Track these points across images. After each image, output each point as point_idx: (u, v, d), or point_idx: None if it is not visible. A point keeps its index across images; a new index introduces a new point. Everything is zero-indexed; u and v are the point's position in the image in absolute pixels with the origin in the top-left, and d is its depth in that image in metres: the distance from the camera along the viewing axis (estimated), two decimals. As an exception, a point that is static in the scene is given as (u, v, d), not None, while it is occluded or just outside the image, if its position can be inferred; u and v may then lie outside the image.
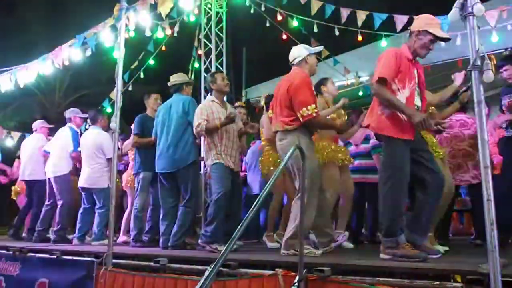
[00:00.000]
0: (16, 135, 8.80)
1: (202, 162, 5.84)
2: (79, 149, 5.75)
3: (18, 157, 6.62)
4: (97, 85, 14.57)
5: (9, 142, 8.61)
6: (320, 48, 3.95)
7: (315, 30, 6.72)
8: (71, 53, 5.37)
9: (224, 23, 7.77)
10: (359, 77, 7.31)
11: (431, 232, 3.63)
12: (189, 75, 7.86)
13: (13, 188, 7.32)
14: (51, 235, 5.88)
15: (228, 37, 7.81)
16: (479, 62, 2.31)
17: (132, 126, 5.89)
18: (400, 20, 5.53)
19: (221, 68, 7.40)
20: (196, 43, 8.11)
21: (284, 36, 7.39)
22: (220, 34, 7.71)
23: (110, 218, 3.92)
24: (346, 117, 4.67)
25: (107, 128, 5.77)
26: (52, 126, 6.80)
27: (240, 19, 8.82)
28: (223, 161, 4.14)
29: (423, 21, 3.16)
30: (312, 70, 3.77)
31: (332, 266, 2.68)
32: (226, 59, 7.60)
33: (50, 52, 5.86)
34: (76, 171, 6.05)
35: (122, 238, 5.83)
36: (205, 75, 6.85)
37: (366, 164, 5.34)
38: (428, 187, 3.07)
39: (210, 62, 7.58)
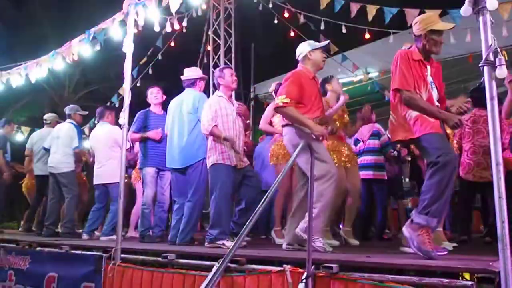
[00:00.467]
0: (26, 129, 8.89)
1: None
2: (85, 145, 5.78)
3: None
4: (106, 81, 14.64)
5: (19, 137, 8.71)
6: (325, 42, 3.89)
7: (323, 27, 6.68)
8: (80, 48, 5.38)
9: (232, 19, 7.76)
10: (368, 73, 7.27)
11: (439, 227, 3.61)
12: (198, 71, 7.85)
13: (24, 184, 7.38)
14: (60, 229, 5.95)
15: (237, 33, 7.80)
16: (491, 58, 2.27)
17: None
18: (411, 14, 5.46)
19: (229, 64, 7.40)
20: (204, 39, 8.11)
21: (292, 33, 7.35)
22: (229, 30, 7.72)
23: (119, 212, 3.94)
24: (347, 118, 4.62)
25: (114, 123, 5.80)
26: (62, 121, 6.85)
27: (248, 15, 8.80)
28: (227, 162, 4.10)
29: (424, 22, 3.13)
30: (316, 65, 3.74)
31: (340, 263, 2.67)
32: (234, 55, 7.60)
33: (60, 47, 5.89)
34: (86, 167, 6.09)
35: (131, 233, 5.87)
36: (214, 70, 6.84)
37: (374, 160, 5.33)
38: None
39: (218, 57, 7.60)
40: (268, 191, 2.29)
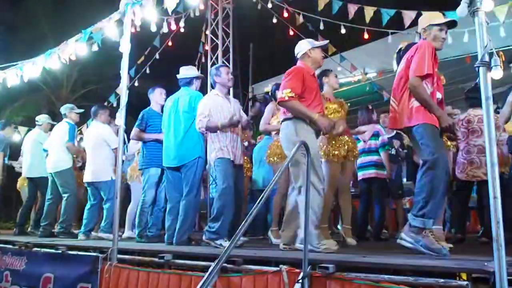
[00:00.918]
0: (23, 130, 8.86)
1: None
2: (77, 141, 5.79)
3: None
4: (104, 80, 14.62)
5: (17, 137, 8.68)
6: (325, 42, 3.92)
7: (322, 27, 6.68)
8: (77, 48, 5.37)
9: (230, 19, 7.76)
10: (366, 73, 7.27)
11: (439, 226, 3.62)
12: (196, 70, 7.84)
13: (19, 179, 7.37)
14: (56, 229, 5.93)
15: (235, 33, 7.80)
16: (487, 58, 2.27)
17: None
18: (408, 15, 5.48)
19: (227, 64, 7.38)
20: (203, 39, 8.10)
21: (291, 33, 7.35)
22: (227, 30, 7.71)
23: (115, 212, 3.93)
24: (346, 106, 4.63)
25: (108, 122, 5.81)
26: (55, 123, 6.85)
27: (247, 15, 8.80)
28: (227, 156, 4.13)
29: (425, 20, 3.25)
30: (316, 63, 3.78)
31: (337, 263, 2.66)
32: (232, 55, 7.59)
33: (57, 47, 5.87)
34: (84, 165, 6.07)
35: (127, 233, 5.86)
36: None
37: (374, 160, 5.34)
38: None
39: (216, 57, 7.59)
40: (265, 191, 2.28)
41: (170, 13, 6.01)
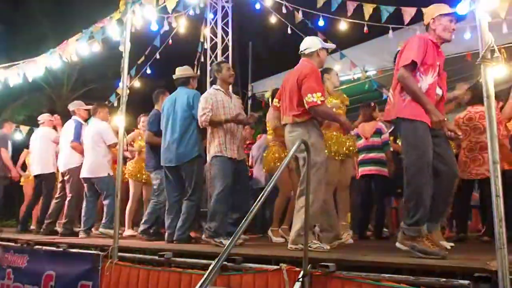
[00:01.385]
0: (25, 128, 8.87)
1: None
2: (81, 140, 5.79)
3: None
4: (104, 80, 14.63)
5: (18, 136, 8.69)
6: (333, 46, 3.95)
7: (321, 23, 6.66)
8: (78, 47, 5.38)
9: (230, 17, 7.74)
10: (366, 71, 7.24)
11: (437, 228, 3.60)
12: (195, 69, 7.84)
13: (23, 175, 7.40)
14: (58, 228, 5.94)
15: (234, 31, 7.77)
16: (489, 55, 2.26)
17: (141, 121, 5.89)
18: (408, 12, 5.46)
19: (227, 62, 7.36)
20: (202, 38, 8.08)
21: (290, 31, 7.32)
22: (226, 29, 7.69)
23: (116, 210, 3.93)
24: (347, 101, 4.62)
25: (107, 120, 5.82)
26: (56, 117, 6.86)
27: (246, 14, 8.78)
28: (226, 154, 4.12)
29: (431, 11, 3.15)
30: (321, 64, 3.79)
31: (337, 262, 2.66)
32: (232, 54, 7.57)
33: (58, 46, 5.88)
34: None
35: (127, 232, 5.86)
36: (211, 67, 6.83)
37: (376, 157, 5.32)
38: (440, 177, 3.03)
39: (216, 56, 7.57)
40: (264, 190, 2.28)
41: (170, 12, 6.01)
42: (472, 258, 2.70)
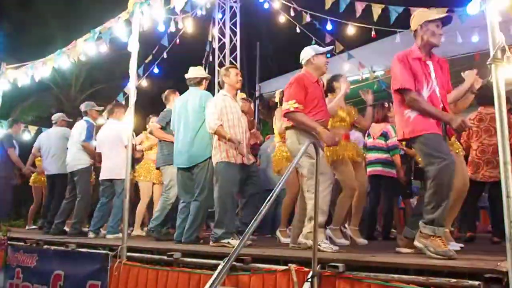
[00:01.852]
0: (33, 129, 8.94)
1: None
2: (93, 141, 5.80)
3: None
4: (112, 80, 14.67)
5: (26, 136, 8.76)
6: (328, 48, 3.92)
7: (329, 26, 6.66)
8: (85, 47, 5.40)
9: (238, 18, 7.76)
10: (374, 71, 7.23)
11: (447, 229, 3.59)
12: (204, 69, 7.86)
13: (33, 175, 7.44)
14: (66, 228, 5.97)
15: (242, 31, 7.80)
16: (499, 55, 2.25)
17: (151, 121, 5.92)
18: (417, 13, 5.42)
19: (234, 63, 7.39)
20: (210, 38, 8.10)
21: (298, 31, 7.33)
22: (234, 29, 7.72)
23: (124, 211, 3.95)
24: (356, 114, 4.59)
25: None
26: (71, 120, 6.88)
27: (254, 14, 8.79)
28: (231, 160, 4.10)
29: (418, 17, 3.20)
30: (319, 69, 3.78)
31: (346, 262, 2.66)
32: (239, 54, 7.60)
33: (66, 46, 5.92)
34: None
35: (136, 231, 5.89)
36: (219, 69, 6.84)
37: (381, 157, 5.31)
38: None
39: (224, 56, 7.60)
40: (273, 191, 2.28)
41: (178, 12, 6.03)
42: (482, 258, 2.69)
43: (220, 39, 7.77)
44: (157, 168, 5.33)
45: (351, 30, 6.51)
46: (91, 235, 5.49)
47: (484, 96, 4.38)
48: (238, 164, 4.14)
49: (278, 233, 4.86)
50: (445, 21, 3.18)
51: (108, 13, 5.38)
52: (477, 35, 5.47)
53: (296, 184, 4.60)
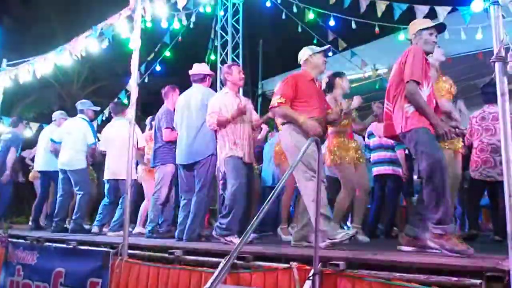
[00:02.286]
0: (35, 126, 8.95)
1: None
2: (99, 143, 5.78)
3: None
4: (114, 77, 14.68)
5: (28, 133, 8.77)
6: (325, 47, 3.94)
7: (332, 22, 6.63)
8: (87, 44, 5.39)
9: (240, 15, 7.74)
10: (377, 69, 7.21)
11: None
12: (205, 67, 7.84)
13: (31, 171, 7.45)
14: (68, 225, 5.97)
15: (245, 29, 7.78)
16: (503, 53, 2.23)
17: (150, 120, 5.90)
18: (421, 10, 5.40)
19: (237, 60, 7.37)
20: (212, 35, 8.09)
21: (300, 29, 7.30)
22: (237, 26, 7.70)
23: (126, 209, 3.95)
24: (354, 114, 4.59)
25: None
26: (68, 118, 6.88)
27: (256, 11, 8.77)
28: (238, 153, 4.11)
29: (413, 26, 3.32)
30: (316, 68, 3.83)
31: (347, 260, 2.65)
32: (242, 51, 7.58)
33: (68, 43, 5.91)
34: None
35: (137, 229, 5.89)
36: (221, 66, 6.83)
37: (390, 156, 5.28)
38: None
39: (226, 53, 7.59)
40: (275, 189, 2.27)
41: (180, 9, 6.01)
42: (484, 257, 2.67)
43: (222, 36, 7.74)
44: (153, 167, 5.29)
45: (354, 27, 6.48)
46: (95, 229, 5.49)
47: (489, 94, 4.37)
48: (241, 158, 4.13)
49: (279, 230, 4.86)
50: (439, 29, 3.28)
51: (110, 9, 5.37)
52: (481, 34, 5.44)
53: (292, 181, 4.59)
